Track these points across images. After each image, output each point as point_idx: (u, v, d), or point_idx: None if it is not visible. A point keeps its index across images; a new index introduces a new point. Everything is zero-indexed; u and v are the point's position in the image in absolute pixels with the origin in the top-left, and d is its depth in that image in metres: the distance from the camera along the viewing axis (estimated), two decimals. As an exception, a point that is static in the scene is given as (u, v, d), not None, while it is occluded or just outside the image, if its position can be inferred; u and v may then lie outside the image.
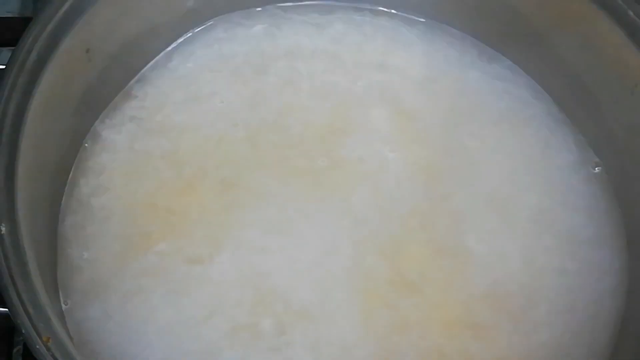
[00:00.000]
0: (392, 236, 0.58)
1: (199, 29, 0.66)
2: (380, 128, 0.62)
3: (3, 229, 0.47)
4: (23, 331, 0.45)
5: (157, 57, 0.65)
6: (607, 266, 0.59)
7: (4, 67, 0.52)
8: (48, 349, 0.44)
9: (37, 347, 0.44)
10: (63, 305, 0.55)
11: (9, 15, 0.72)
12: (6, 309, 0.46)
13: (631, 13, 0.56)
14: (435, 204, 0.59)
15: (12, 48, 0.53)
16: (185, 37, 0.66)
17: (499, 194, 0.60)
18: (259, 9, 0.67)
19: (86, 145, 0.60)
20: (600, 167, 0.62)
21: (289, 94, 0.64)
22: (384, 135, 0.62)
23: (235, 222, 0.58)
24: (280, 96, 0.63)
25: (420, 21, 0.68)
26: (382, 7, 0.68)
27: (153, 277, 0.55)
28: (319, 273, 0.56)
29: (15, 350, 0.55)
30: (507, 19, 0.64)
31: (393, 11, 0.68)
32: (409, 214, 0.59)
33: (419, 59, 0.66)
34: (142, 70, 0.64)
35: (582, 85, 0.62)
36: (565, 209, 0.60)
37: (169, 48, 0.65)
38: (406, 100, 0.64)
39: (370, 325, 0.55)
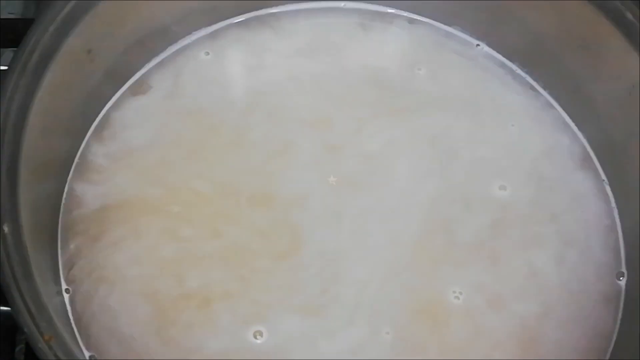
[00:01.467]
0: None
1: (200, 32, 0.66)
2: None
3: (6, 228, 0.48)
4: (25, 330, 0.45)
5: (159, 58, 0.65)
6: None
7: (6, 67, 0.52)
8: (50, 348, 0.45)
9: (40, 345, 0.45)
10: (66, 295, 0.55)
11: (12, 16, 0.72)
12: (9, 308, 0.46)
13: (630, 15, 0.56)
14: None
15: (15, 49, 0.53)
16: (186, 39, 0.66)
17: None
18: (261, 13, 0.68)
19: (87, 144, 0.61)
20: (623, 278, 0.59)
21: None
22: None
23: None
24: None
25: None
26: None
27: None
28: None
29: (17, 349, 0.55)
30: (504, 21, 0.64)
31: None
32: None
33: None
34: (144, 71, 0.64)
35: (580, 85, 0.62)
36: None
37: (172, 49, 0.65)
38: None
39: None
